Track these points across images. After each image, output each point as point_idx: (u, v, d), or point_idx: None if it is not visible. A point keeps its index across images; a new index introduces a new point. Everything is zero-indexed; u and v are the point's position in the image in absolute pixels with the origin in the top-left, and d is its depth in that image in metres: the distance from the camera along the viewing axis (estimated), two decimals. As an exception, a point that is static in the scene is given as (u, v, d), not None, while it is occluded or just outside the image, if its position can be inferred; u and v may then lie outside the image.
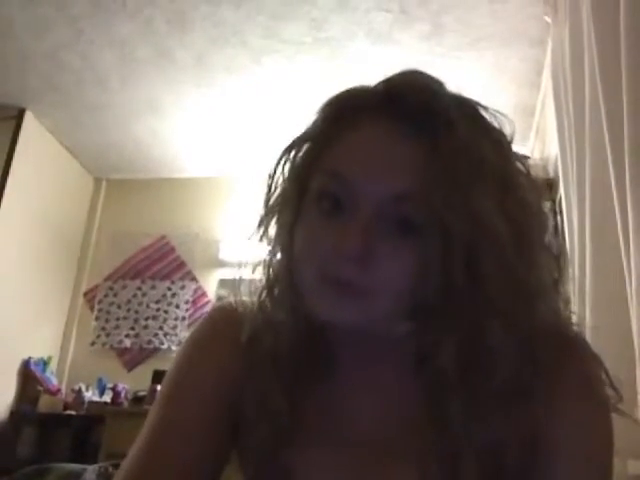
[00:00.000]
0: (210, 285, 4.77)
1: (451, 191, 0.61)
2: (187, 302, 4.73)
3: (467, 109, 0.67)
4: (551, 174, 2.89)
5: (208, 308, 4.65)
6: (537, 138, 3.62)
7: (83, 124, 4.51)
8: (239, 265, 0.78)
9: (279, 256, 0.73)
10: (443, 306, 0.63)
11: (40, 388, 4.32)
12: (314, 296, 0.65)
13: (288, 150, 0.74)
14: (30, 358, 4.36)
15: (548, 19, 3.00)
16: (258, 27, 3.45)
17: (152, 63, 3.82)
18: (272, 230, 0.74)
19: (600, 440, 0.66)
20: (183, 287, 4.79)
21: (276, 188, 0.74)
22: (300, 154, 0.73)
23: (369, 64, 3.56)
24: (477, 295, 0.62)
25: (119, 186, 5.18)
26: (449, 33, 3.38)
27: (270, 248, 0.74)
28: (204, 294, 4.75)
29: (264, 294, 0.74)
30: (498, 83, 3.60)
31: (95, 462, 2.91)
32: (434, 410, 0.66)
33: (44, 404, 4.24)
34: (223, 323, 0.77)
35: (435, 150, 0.63)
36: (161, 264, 4.88)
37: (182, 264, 4.86)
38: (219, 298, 4.66)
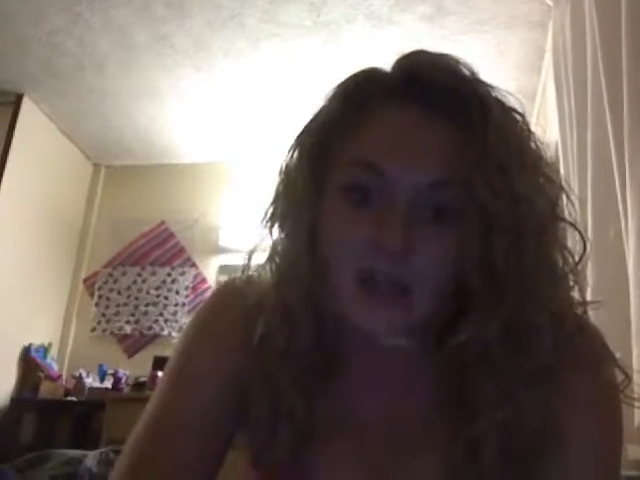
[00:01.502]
0: (210, 271, 4.77)
1: (494, 175, 0.61)
2: (187, 288, 4.73)
3: (492, 90, 0.66)
4: (552, 158, 2.88)
5: (208, 294, 4.65)
6: (538, 122, 3.59)
7: (81, 110, 4.49)
8: (249, 253, 0.74)
9: (295, 253, 0.68)
10: (485, 288, 0.61)
11: (41, 374, 4.33)
12: (353, 305, 0.63)
13: (301, 138, 0.70)
14: (31, 345, 4.37)
15: (549, 2, 2.97)
16: (257, 10, 3.42)
17: (150, 48, 3.79)
18: (282, 223, 0.71)
19: (610, 430, 0.66)
20: (183, 273, 4.78)
21: (289, 179, 0.70)
22: (316, 143, 0.68)
23: (369, 47, 3.54)
24: (519, 275, 0.61)
25: (118, 172, 5.16)
26: (450, 15, 3.35)
27: (282, 242, 0.70)
28: (204, 280, 4.75)
29: (276, 289, 0.70)
30: (499, 67, 3.58)
31: (96, 448, 2.92)
32: (462, 392, 0.65)
33: (45, 390, 4.25)
34: (229, 304, 0.75)
35: (471, 134, 0.62)
36: (161, 250, 4.88)
37: (182, 250, 4.85)
38: (219, 284, 4.65)
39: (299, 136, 0.71)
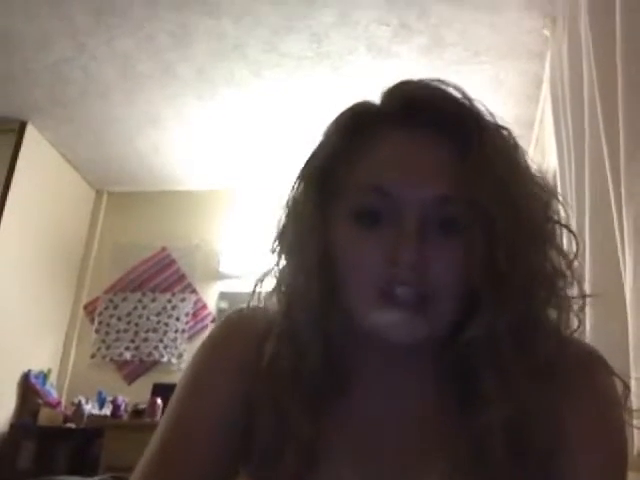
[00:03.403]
0: (210, 297, 4.77)
1: (493, 186, 0.65)
2: (187, 314, 4.73)
3: (482, 108, 0.70)
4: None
5: (208, 321, 4.65)
6: (536, 151, 3.63)
7: (85, 137, 4.53)
8: (256, 282, 0.76)
9: (305, 277, 0.69)
10: (491, 291, 0.64)
11: (40, 401, 4.31)
12: (377, 319, 0.65)
13: (305, 170, 0.74)
14: (30, 371, 4.35)
15: (547, 32, 3.02)
16: (259, 41, 3.48)
17: (154, 77, 3.84)
18: (290, 251, 0.73)
19: (613, 433, 0.68)
20: (183, 299, 4.78)
21: (295, 209, 0.73)
22: (320, 173, 0.71)
23: (369, 78, 3.58)
24: (521, 277, 0.65)
25: (120, 198, 5.19)
26: (448, 47, 3.41)
27: (290, 269, 0.72)
28: (204, 306, 4.75)
29: (284, 314, 0.72)
30: (497, 96, 3.62)
31: (95, 475, 2.90)
32: (465, 391, 0.68)
33: (44, 417, 4.23)
34: (240, 328, 0.77)
35: (468, 150, 0.66)
36: (162, 276, 4.88)
37: (182, 276, 4.86)
38: (220, 311, 4.66)
39: (303, 169, 0.74)
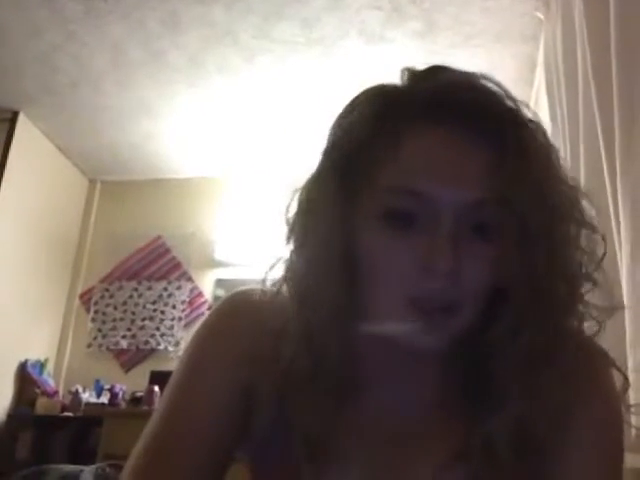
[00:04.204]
0: (206, 285, 4.77)
1: (531, 189, 0.63)
2: (183, 302, 4.72)
3: (516, 102, 0.67)
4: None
5: (204, 308, 4.66)
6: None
7: (77, 126, 4.51)
8: (268, 269, 0.72)
9: (325, 276, 0.66)
10: (524, 295, 0.63)
11: (37, 390, 4.32)
12: (402, 327, 0.64)
13: (328, 158, 0.69)
14: (27, 360, 4.35)
15: (540, 15, 3.01)
16: (250, 27, 3.45)
17: (145, 64, 3.81)
18: (305, 242, 0.69)
19: (613, 435, 0.69)
20: (179, 287, 4.78)
21: (316, 199, 0.68)
22: (345, 165, 0.67)
23: (362, 63, 3.56)
24: (556, 280, 0.64)
25: (114, 187, 5.17)
26: (441, 31, 3.39)
27: (305, 262, 0.68)
28: (200, 294, 4.75)
29: (299, 312, 0.68)
30: (491, 80, 3.60)
31: (93, 463, 2.91)
32: (474, 389, 0.67)
33: (41, 406, 4.24)
34: (241, 314, 0.74)
35: (504, 150, 0.63)
36: (157, 265, 4.88)
37: (178, 264, 4.86)
38: (216, 298, 4.66)
39: (323, 158, 0.70)
